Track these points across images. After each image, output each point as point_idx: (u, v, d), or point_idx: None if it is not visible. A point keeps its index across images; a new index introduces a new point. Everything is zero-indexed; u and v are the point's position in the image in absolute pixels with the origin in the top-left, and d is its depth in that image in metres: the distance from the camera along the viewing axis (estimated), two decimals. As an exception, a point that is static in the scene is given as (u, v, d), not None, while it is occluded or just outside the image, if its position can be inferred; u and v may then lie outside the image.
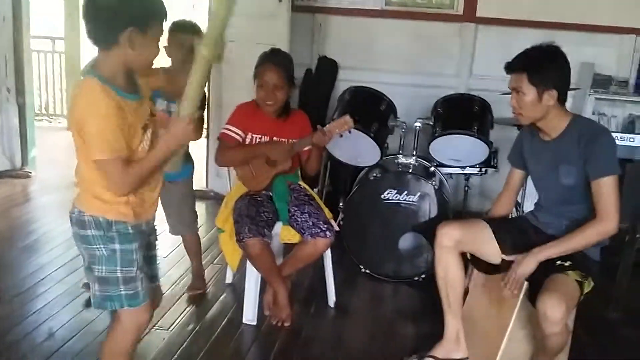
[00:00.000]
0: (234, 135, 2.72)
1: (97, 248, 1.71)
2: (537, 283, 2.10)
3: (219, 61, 1.71)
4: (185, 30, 2.59)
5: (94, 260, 1.72)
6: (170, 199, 2.72)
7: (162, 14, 1.67)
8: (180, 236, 2.97)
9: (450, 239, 2.27)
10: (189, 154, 2.80)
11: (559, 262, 2.09)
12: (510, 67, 2.15)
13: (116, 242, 1.70)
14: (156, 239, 1.92)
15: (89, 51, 6.82)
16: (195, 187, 4.65)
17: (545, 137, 2.22)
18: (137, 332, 1.82)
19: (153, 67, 1.79)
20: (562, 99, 2.14)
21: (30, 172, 4.98)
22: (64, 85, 7.27)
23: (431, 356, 2.36)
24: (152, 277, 1.88)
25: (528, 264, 2.10)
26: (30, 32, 5.04)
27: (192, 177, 2.92)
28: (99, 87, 1.58)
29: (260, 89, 2.65)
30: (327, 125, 2.66)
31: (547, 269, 2.09)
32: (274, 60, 2.70)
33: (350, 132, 2.68)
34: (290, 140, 2.72)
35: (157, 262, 1.91)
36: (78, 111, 1.59)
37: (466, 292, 2.41)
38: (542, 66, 2.11)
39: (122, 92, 1.63)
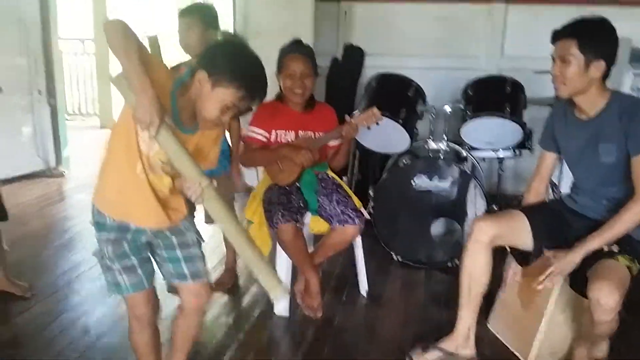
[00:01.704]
0: (258, 136, 2.69)
1: None
2: (581, 268, 2.03)
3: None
4: (188, 14, 2.59)
5: None
6: None
7: (241, 83, 1.60)
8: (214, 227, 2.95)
9: (486, 234, 2.19)
10: (227, 152, 2.76)
11: (606, 247, 2.01)
12: (558, 33, 2.05)
13: (95, 230, 1.77)
14: (185, 240, 1.86)
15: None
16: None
17: (582, 116, 2.12)
18: (138, 323, 1.85)
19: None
20: (606, 74, 2.04)
21: (64, 171, 5.09)
22: (95, 85, 7.38)
23: (438, 348, 2.29)
24: (179, 274, 1.85)
25: (570, 262, 2.02)
26: (60, 34, 5.12)
27: (226, 175, 2.84)
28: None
29: (288, 79, 2.62)
30: (354, 118, 2.62)
31: (593, 254, 2.01)
32: (299, 49, 2.69)
33: (378, 124, 2.63)
34: (317, 134, 2.69)
35: (186, 262, 1.84)
36: None
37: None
38: (594, 34, 2.01)
39: (177, 116, 1.65)
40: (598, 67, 1.99)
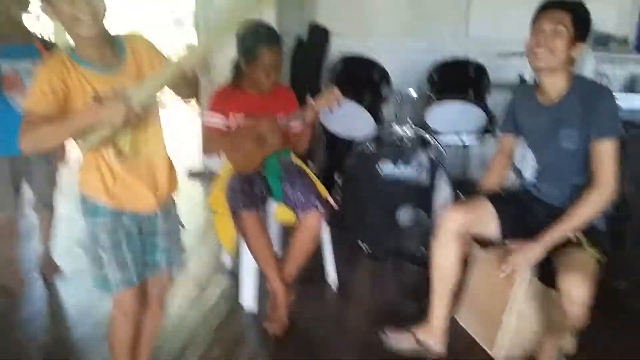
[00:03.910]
0: (216, 123, 2.61)
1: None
2: (548, 260, 2.04)
3: (189, 70, 1.58)
4: None
5: None
6: (33, 175, 2.76)
7: None
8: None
9: (456, 224, 2.19)
10: None
11: (572, 236, 2.03)
12: (554, 3, 2.03)
13: (87, 216, 1.70)
14: (170, 225, 1.83)
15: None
16: (190, 167, 4.68)
17: (545, 100, 2.13)
18: (123, 319, 1.81)
19: None
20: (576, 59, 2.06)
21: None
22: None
23: (413, 334, 2.32)
24: (152, 262, 1.82)
25: (534, 254, 2.04)
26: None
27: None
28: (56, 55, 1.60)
29: (261, 72, 2.53)
30: (314, 101, 2.56)
31: (560, 244, 2.02)
32: (272, 38, 2.56)
33: (339, 104, 2.58)
34: (278, 116, 2.63)
35: (164, 249, 1.82)
36: None
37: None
38: (586, 16, 2.02)
39: (81, 59, 1.58)
40: (579, 48, 2.01)
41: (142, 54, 1.68)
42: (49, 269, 2.92)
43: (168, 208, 1.82)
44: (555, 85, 2.08)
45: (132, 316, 1.80)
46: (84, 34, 1.56)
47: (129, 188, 1.68)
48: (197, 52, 1.53)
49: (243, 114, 2.61)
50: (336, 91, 2.53)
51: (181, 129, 6.12)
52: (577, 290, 1.85)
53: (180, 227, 1.89)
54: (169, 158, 1.78)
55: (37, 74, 1.55)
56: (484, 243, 2.32)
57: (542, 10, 2.07)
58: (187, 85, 1.69)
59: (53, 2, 1.53)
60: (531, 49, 2.06)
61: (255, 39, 2.54)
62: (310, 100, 2.58)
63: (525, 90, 2.25)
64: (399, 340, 2.32)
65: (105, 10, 1.57)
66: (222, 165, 2.80)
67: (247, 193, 2.49)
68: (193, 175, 4.69)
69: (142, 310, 1.85)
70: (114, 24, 1.63)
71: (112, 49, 1.63)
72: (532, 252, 2.03)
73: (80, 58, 1.58)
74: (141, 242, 1.78)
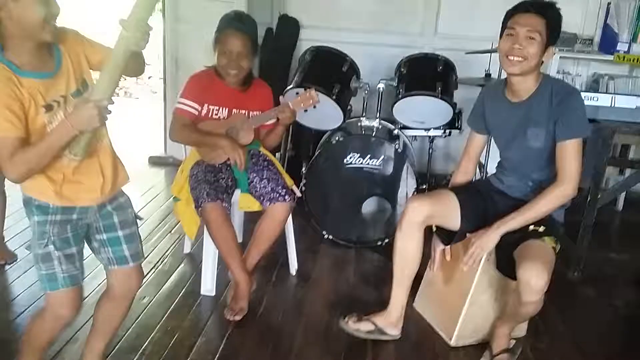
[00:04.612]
0: (189, 109, 2.55)
1: (30, 223, 1.64)
2: (506, 250, 2.07)
3: (139, 47, 1.49)
4: None
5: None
6: None
7: None
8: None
9: (420, 214, 2.20)
10: None
11: (532, 228, 2.05)
12: (531, 6, 2.01)
13: (35, 214, 1.61)
14: (127, 218, 1.77)
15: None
16: (153, 153, 4.61)
17: (514, 99, 2.14)
18: (54, 323, 1.71)
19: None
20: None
21: None
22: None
23: (371, 321, 2.31)
24: (119, 258, 1.76)
25: (489, 239, 2.06)
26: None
27: None
28: None
29: (223, 57, 2.49)
30: (292, 101, 2.55)
31: (519, 234, 2.05)
32: (239, 25, 2.51)
33: (315, 107, 2.57)
34: (251, 113, 2.61)
35: (127, 242, 1.76)
36: None
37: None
38: (558, 21, 2.04)
39: (20, 69, 1.47)
40: (550, 53, 2.04)
41: (76, 48, 1.60)
42: (2, 255, 2.83)
43: (121, 201, 1.77)
44: (524, 85, 2.09)
45: (63, 321, 1.70)
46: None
47: (78, 186, 1.62)
48: (133, 24, 1.45)
49: (218, 105, 2.57)
50: (313, 93, 2.52)
51: (143, 115, 6.02)
52: (536, 279, 1.87)
53: (136, 219, 1.82)
54: (114, 151, 1.72)
55: None
56: (443, 237, 2.34)
57: (516, 12, 2.05)
58: (135, 60, 1.59)
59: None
60: (505, 55, 2.05)
61: (223, 22, 2.52)
62: (284, 100, 2.55)
63: (493, 88, 2.27)
64: (357, 326, 2.31)
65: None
66: (187, 152, 2.77)
67: (212, 184, 2.46)
68: (155, 161, 4.61)
69: (107, 303, 1.82)
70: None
71: (46, 50, 1.53)
72: (489, 236, 2.05)
73: (18, 68, 1.47)
74: (99, 238, 1.73)
